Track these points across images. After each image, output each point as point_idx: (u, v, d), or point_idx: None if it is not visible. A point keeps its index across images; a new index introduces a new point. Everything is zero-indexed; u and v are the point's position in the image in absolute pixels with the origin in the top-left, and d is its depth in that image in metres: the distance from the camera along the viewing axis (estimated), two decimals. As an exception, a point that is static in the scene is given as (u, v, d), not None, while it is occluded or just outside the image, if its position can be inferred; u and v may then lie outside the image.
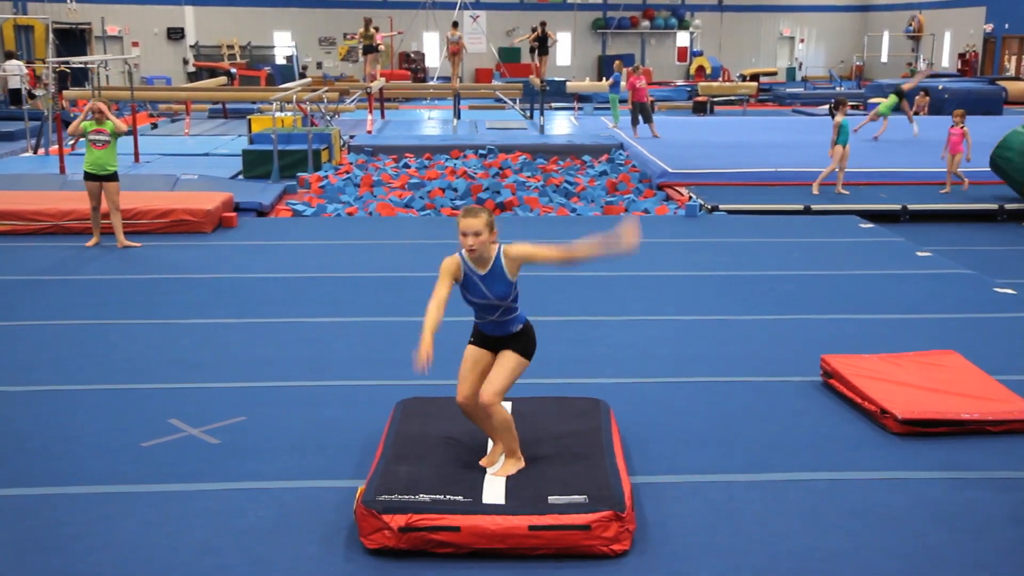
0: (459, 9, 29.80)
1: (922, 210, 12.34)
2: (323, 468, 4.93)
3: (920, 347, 6.61)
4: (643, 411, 5.68)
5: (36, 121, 18.10)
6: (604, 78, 31.06)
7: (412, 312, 7.70)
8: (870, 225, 11.22)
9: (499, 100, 24.36)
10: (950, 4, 34.72)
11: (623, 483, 4.32)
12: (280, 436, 5.32)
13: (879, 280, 8.79)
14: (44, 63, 19.05)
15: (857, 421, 5.55)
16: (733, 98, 28.70)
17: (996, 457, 5.07)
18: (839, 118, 12.78)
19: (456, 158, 16.56)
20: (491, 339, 4.54)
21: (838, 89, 30.27)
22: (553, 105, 26.39)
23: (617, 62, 24.63)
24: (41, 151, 17.02)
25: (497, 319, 4.47)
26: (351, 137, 18.35)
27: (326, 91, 19.01)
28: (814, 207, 12.27)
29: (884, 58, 38.15)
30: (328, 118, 19.02)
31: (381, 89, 22.21)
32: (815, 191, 12.94)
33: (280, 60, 34.59)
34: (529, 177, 14.49)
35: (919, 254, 9.79)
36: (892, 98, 18.16)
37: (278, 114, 17.90)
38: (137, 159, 15.61)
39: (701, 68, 35.13)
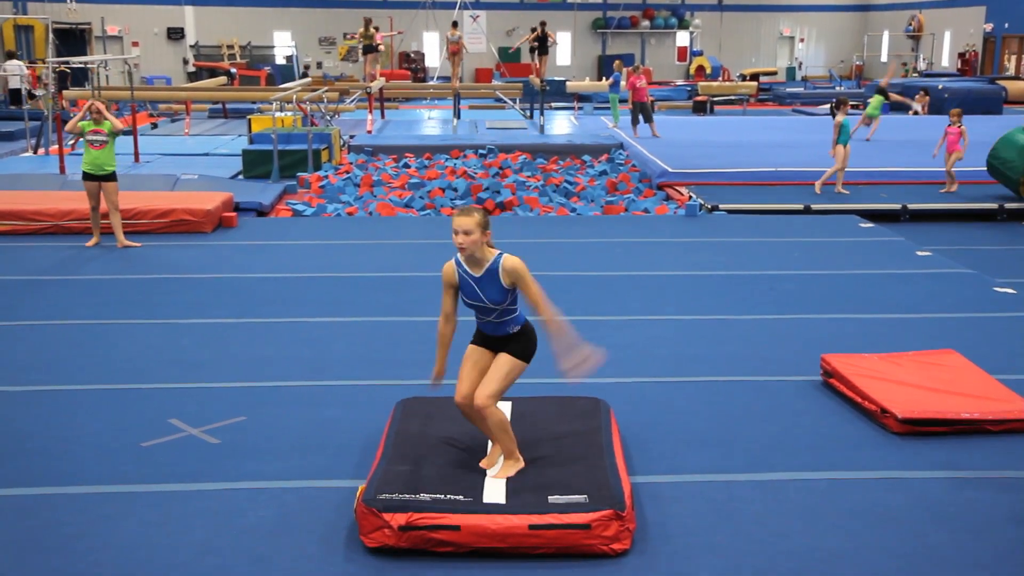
0: (459, 9, 29.81)
1: (922, 210, 12.34)
2: (323, 468, 4.93)
3: (920, 347, 6.61)
4: (643, 411, 5.68)
5: (36, 121, 18.11)
6: (604, 78, 31.07)
7: (412, 312, 7.71)
8: (870, 225, 11.22)
9: (499, 100, 24.36)
10: (950, 4, 34.72)
11: (623, 483, 4.32)
12: (280, 436, 5.32)
13: (879, 280, 8.79)
14: (44, 63, 19.06)
15: (857, 421, 5.55)
16: (733, 98, 28.70)
17: (996, 457, 5.07)
18: (840, 118, 12.78)
19: (456, 158, 16.56)
20: (491, 339, 4.54)
21: (838, 89, 30.26)
22: (553, 105, 26.40)
23: (617, 62, 24.62)
24: (41, 151, 17.02)
25: (495, 320, 4.48)
26: (351, 137, 18.35)
27: (326, 91, 19.01)
28: (814, 207, 12.27)
29: (884, 58, 38.13)
30: (328, 118, 19.03)
31: (381, 89, 22.21)
32: (818, 191, 12.94)
33: (280, 60, 34.61)
34: (529, 177, 14.49)
35: (919, 254, 9.79)
36: (877, 98, 18.18)
37: (278, 114, 17.91)
38: (137, 159, 15.61)
39: (701, 68, 35.13)
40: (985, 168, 13.02)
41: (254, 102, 21.71)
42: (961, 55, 33.87)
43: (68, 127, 10.44)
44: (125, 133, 15.95)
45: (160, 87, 27.71)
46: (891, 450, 5.16)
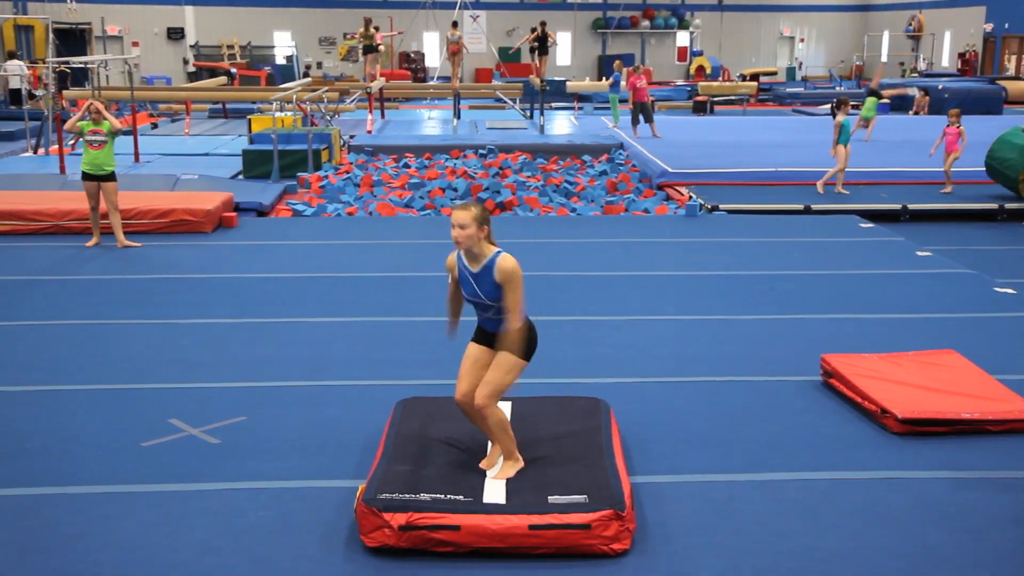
0: (459, 9, 29.80)
1: (922, 210, 12.34)
2: (323, 468, 4.93)
3: (920, 347, 6.61)
4: (643, 411, 5.68)
5: (36, 121, 18.11)
6: (604, 78, 31.07)
7: (412, 312, 7.71)
8: (870, 225, 11.22)
9: (499, 100, 24.36)
10: (950, 4, 34.71)
11: (623, 483, 4.32)
12: (280, 436, 5.32)
13: (879, 280, 8.79)
14: (44, 63, 19.06)
15: (857, 421, 5.55)
16: (733, 98, 28.69)
17: (996, 457, 5.07)
18: (840, 118, 12.79)
19: (456, 158, 16.56)
20: (491, 336, 4.54)
21: (838, 89, 30.25)
22: (553, 105, 26.40)
23: (617, 62, 24.62)
24: (41, 151, 17.03)
25: (493, 316, 4.47)
26: (351, 137, 18.35)
27: (326, 91, 19.01)
28: (814, 207, 12.27)
29: (884, 58, 38.13)
30: (328, 118, 19.03)
31: (381, 89, 22.21)
32: (820, 190, 12.93)
33: (280, 60, 34.60)
34: (529, 177, 14.49)
35: (919, 254, 9.79)
36: (870, 100, 18.19)
37: (278, 114, 17.91)
38: (137, 159, 15.62)
39: (701, 68, 35.11)
40: (983, 168, 13.03)
41: (254, 102, 21.71)
42: (961, 55, 33.86)
43: (67, 126, 10.45)
44: (125, 133, 15.94)
45: (160, 87, 27.71)
46: (891, 450, 5.16)
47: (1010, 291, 8.33)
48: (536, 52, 23.25)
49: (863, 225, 11.21)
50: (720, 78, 34.19)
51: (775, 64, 39.01)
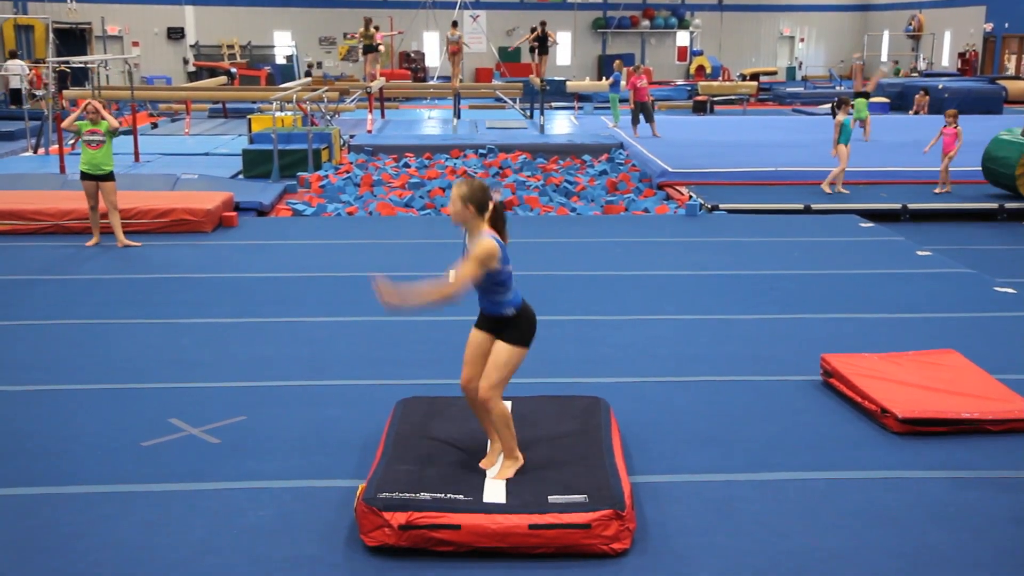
0: (459, 9, 29.80)
1: (922, 209, 12.34)
2: (323, 467, 4.93)
3: (920, 346, 6.61)
4: (643, 411, 5.68)
5: (36, 121, 18.11)
6: (604, 77, 31.07)
7: (412, 312, 7.70)
8: (870, 224, 11.22)
9: (499, 100, 24.37)
10: (950, 3, 34.71)
11: (623, 482, 4.32)
12: (280, 436, 5.32)
13: (879, 279, 8.79)
14: (44, 63, 19.06)
15: (857, 420, 5.55)
16: (733, 97, 28.69)
17: (996, 457, 5.07)
18: (840, 117, 12.80)
19: (456, 158, 16.56)
20: (489, 320, 4.52)
21: (838, 88, 30.26)
22: (553, 105, 26.40)
23: (617, 61, 24.60)
24: (41, 151, 17.03)
25: (483, 296, 4.47)
26: (351, 137, 18.35)
27: (326, 91, 19.01)
28: (814, 206, 12.27)
29: (884, 57, 38.14)
30: (328, 118, 19.03)
31: (381, 89, 22.21)
32: (827, 190, 12.92)
33: (280, 60, 34.59)
34: (529, 177, 14.49)
35: (919, 253, 9.79)
36: (860, 101, 18.13)
37: (278, 114, 17.91)
38: (137, 159, 15.62)
39: (701, 67, 35.12)
40: (981, 168, 13.05)
41: (254, 102, 21.71)
42: (961, 55, 33.87)
43: (65, 124, 10.45)
44: (125, 133, 15.94)
45: (160, 87, 27.71)
46: (891, 450, 5.16)
47: (1010, 291, 8.33)
48: (536, 52, 23.25)
49: (863, 225, 11.21)
50: (720, 78, 34.19)
51: (775, 64, 39.02)
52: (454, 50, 22.71)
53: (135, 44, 33.29)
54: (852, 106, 14.35)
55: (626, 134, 18.84)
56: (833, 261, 9.51)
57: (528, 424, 4.96)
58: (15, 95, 22.53)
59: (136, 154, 15.70)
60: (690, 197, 12.70)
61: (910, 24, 36.82)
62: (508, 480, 4.44)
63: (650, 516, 4.43)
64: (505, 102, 23.49)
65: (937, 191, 12.99)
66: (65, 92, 18.72)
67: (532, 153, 16.71)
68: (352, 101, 21.98)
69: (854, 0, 39.93)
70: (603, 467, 4.46)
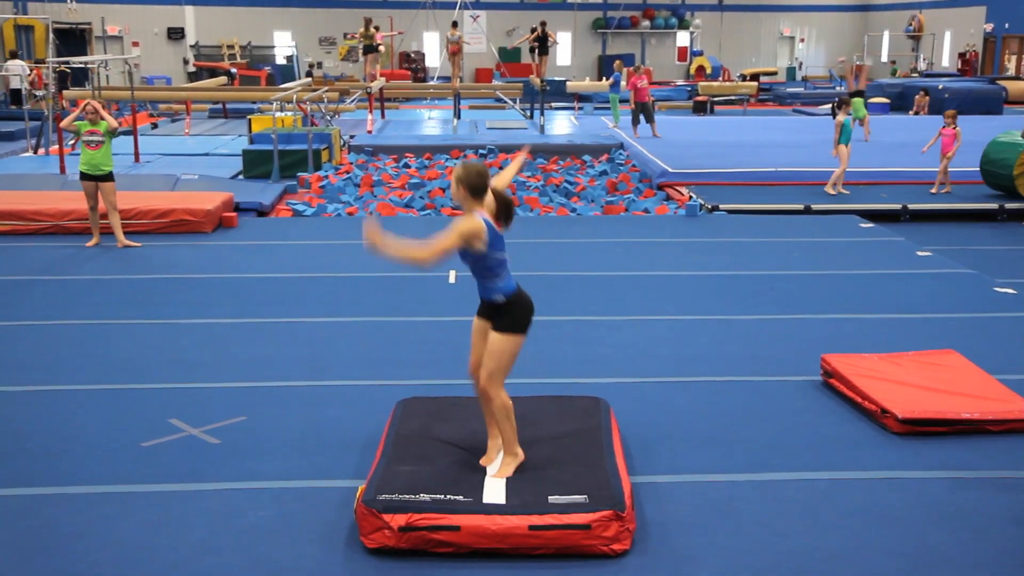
0: (459, 9, 29.79)
1: (922, 210, 12.34)
2: (323, 468, 4.93)
3: (920, 347, 6.61)
4: (643, 411, 5.68)
5: (36, 121, 18.11)
6: (604, 78, 31.06)
7: (412, 312, 7.71)
8: (870, 225, 11.22)
9: (499, 100, 24.36)
10: (950, 4, 34.70)
11: (623, 483, 4.32)
12: (280, 436, 5.32)
13: (879, 280, 8.79)
14: (44, 63, 19.06)
15: (857, 421, 5.55)
16: (733, 98, 28.69)
17: (996, 457, 5.07)
18: (841, 117, 12.80)
19: (456, 158, 16.56)
20: (485, 306, 4.54)
21: (838, 89, 30.25)
22: (553, 105, 26.39)
23: (617, 62, 24.59)
24: (41, 151, 17.03)
25: (477, 282, 4.49)
26: (351, 137, 18.35)
27: (326, 91, 19.01)
28: (814, 207, 12.27)
29: (884, 57, 38.14)
30: (328, 118, 19.02)
31: (381, 89, 22.20)
32: (831, 192, 12.91)
33: (280, 60, 34.59)
34: (529, 177, 14.49)
35: (919, 254, 9.79)
36: (857, 100, 18.10)
37: (278, 114, 17.91)
38: (137, 159, 15.62)
39: (701, 68, 35.11)
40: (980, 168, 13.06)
41: (254, 102, 21.72)
42: (961, 55, 33.86)
43: (64, 124, 10.45)
44: (125, 133, 15.94)
45: (160, 87, 27.71)
46: (891, 450, 5.16)
47: (1010, 291, 8.33)
48: (536, 52, 23.25)
49: (863, 225, 11.21)
50: (720, 78, 34.19)
51: (775, 64, 39.00)
52: (454, 50, 22.71)
53: (135, 44, 33.28)
54: (856, 110, 14.34)
55: (626, 134, 18.84)
56: (833, 261, 9.51)
57: (528, 424, 4.95)
58: (15, 95, 22.52)
59: (136, 154, 15.69)
60: (690, 197, 12.70)
61: (910, 24, 36.82)
62: (508, 480, 4.43)
63: (650, 516, 4.43)
64: (505, 102, 23.49)
65: (933, 191, 12.99)
66: (65, 92, 18.72)
67: (532, 153, 16.71)
68: (352, 101, 21.98)
69: (854, 0, 39.92)
70: (603, 467, 4.46)
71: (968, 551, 4.16)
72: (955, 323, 7.49)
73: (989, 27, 32.61)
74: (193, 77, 32.09)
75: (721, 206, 12.21)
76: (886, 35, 38.63)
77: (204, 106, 24.18)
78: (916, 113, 24.66)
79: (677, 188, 13.73)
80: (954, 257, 9.76)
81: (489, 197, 4.44)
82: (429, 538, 4.04)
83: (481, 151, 16.80)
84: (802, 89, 31.27)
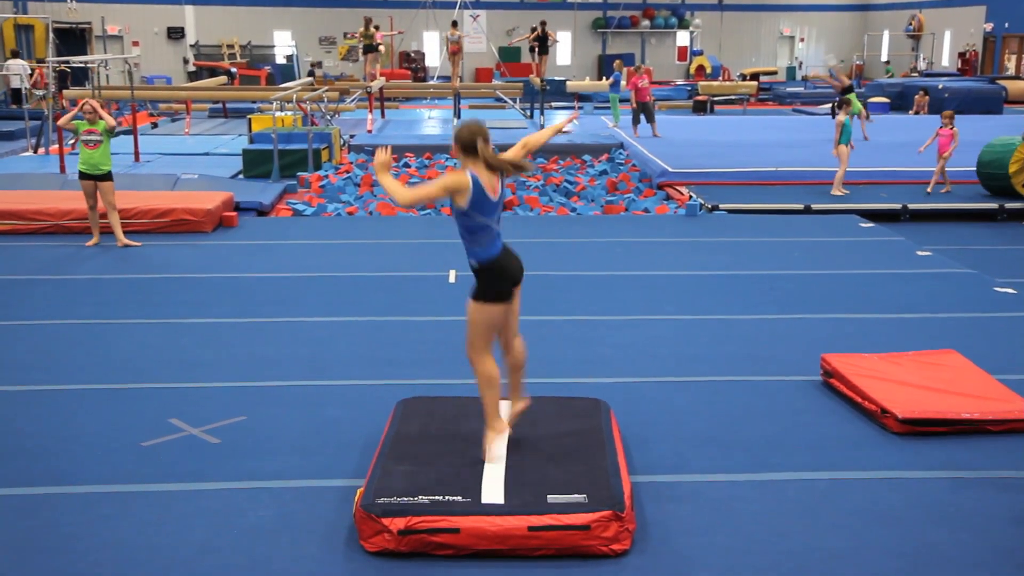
0: (459, 9, 29.79)
1: (922, 209, 12.34)
2: (323, 468, 4.93)
3: (920, 346, 6.61)
4: (643, 411, 5.68)
5: (36, 121, 18.11)
6: (604, 77, 31.05)
7: (412, 312, 7.71)
8: (870, 224, 11.22)
9: (499, 100, 24.35)
10: (950, 3, 34.71)
11: (623, 483, 4.32)
12: (280, 436, 5.32)
13: (879, 279, 8.79)
14: (44, 63, 19.06)
15: (857, 420, 5.55)
16: (733, 97, 28.68)
17: (996, 457, 5.07)
18: (841, 117, 12.79)
19: (456, 158, 16.53)
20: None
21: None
22: (553, 104, 26.39)
23: (617, 61, 24.57)
24: (41, 151, 17.02)
25: (462, 242, 4.55)
26: (351, 136, 18.35)
27: (326, 91, 19.01)
28: (814, 206, 12.27)
29: (884, 57, 38.13)
30: (328, 117, 19.02)
31: (381, 88, 22.20)
32: (838, 194, 12.88)
33: (280, 60, 34.59)
34: (529, 176, 14.48)
35: (919, 253, 9.79)
36: (851, 97, 18.05)
37: (278, 113, 17.90)
38: (137, 158, 15.62)
39: (701, 67, 35.11)
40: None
41: (254, 102, 21.70)
42: (961, 55, 33.86)
43: (61, 122, 10.45)
44: (124, 132, 15.95)
45: (160, 87, 27.70)
46: (891, 450, 5.16)
47: (1010, 291, 8.33)
48: (536, 52, 23.23)
49: (863, 225, 11.21)
50: (720, 78, 34.19)
51: (775, 64, 39.00)
52: (454, 50, 22.71)
53: (135, 44, 33.28)
54: (860, 114, 14.31)
55: (626, 134, 18.84)
56: (833, 261, 9.51)
57: (528, 424, 4.95)
58: (16, 95, 22.51)
59: (136, 154, 15.69)
60: (690, 197, 12.70)
61: (910, 24, 36.82)
62: (507, 479, 4.40)
63: (650, 516, 4.42)
64: (505, 102, 23.49)
65: (929, 191, 12.97)
66: (65, 92, 18.72)
67: (532, 154, 16.67)
68: (352, 101, 21.98)
69: (854, 0, 39.92)
70: (603, 467, 4.46)
71: (968, 551, 4.16)
72: (955, 323, 7.49)
73: (989, 27, 32.62)
74: (193, 77, 32.08)
75: (721, 206, 12.21)
76: (886, 35, 38.63)
77: (204, 106, 24.17)
78: (916, 113, 24.65)
79: (677, 188, 13.73)
80: (954, 257, 9.76)
81: (497, 155, 4.50)
82: (429, 541, 4.04)
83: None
84: (802, 89, 31.26)
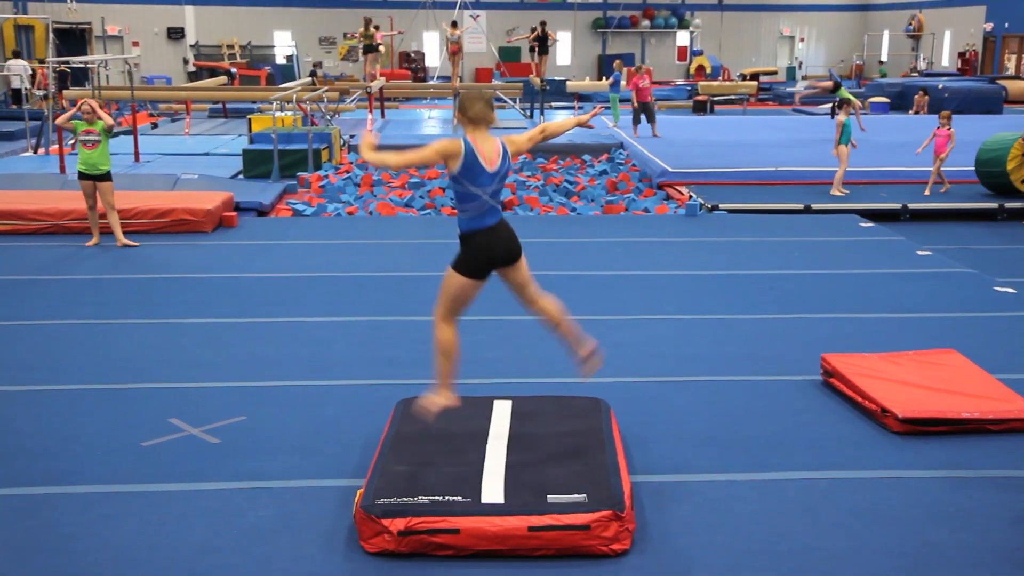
0: (459, 9, 29.79)
1: (922, 209, 12.35)
2: (323, 468, 4.93)
3: (920, 346, 6.61)
4: (643, 411, 5.68)
5: (36, 121, 18.11)
6: (604, 77, 31.05)
7: (412, 312, 7.71)
8: (870, 224, 11.22)
9: (499, 100, 24.33)
10: (950, 3, 34.71)
11: (623, 482, 4.32)
12: (280, 436, 5.32)
13: (879, 279, 8.79)
14: (44, 63, 19.06)
15: (857, 420, 5.55)
16: (733, 97, 28.68)
17: (996, 456, 5.07)
18: (841, 117, 12.80)
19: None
20: None
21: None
22: (553, 105, 26.39)
23: (617, 61, 24.57)
24: (41, 151, 17.02)
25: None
26: (351, 136, 18.35)
27: (326, 91, 19.01)
28: (814, 206, 12.27)
29: (884, 57, 38.14)
30: (328, 118, 19.02)
31: (381, 89, 22.20)
32: (839, 194, 12.88)
33: (280, 60, 34.59)
34: (529, 176, 14.49)
35: (919, 253, 9.79)
36: (845, 93, 18.02)
37: (278, 114, 17.90)
38: (137, 159, 15.62)
39: (701, 67, 35.11)
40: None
41: (254, 102, 21.71)
42: (961, 55, 33.87)
43: (59, 120, 10.44)
44: (125, 133, 15.95)
45: (160, 87, 27.70)
46: (891, 450, 5.16)
47: (1010, 291, 8.33)
48: (536, 52, 23.23)
49: (863, 225, 11.21)
50: (720, 78, 34.18)
51: (775, 64, 39.00)
52: (454, 50, 22.71)
53: (135, 44, 33.28)
54: (852, 105, 14.31)
55: (626, 134, 18.84)
56: (833, 261, 9.51)
57: (528, 424, 4.96)
58: (16, 95, 22.51)
59: (136, 154, 15.69)
60: (690, 197, 12.70)
61: (910, 24, 36.82)
62: (507, 480, 4.40)
63: (650, 516, 4.42)
64: (505, 102, 23.48)
65: (927, 192, 12.97)
66: (65, 92, 18.72)
67: (532, 153, 16.70)
68: (352, 101, 21.98)
69: (854, 0, 39.92)
70: (603, 467, 4.46)
71: (968, 551, 4.16)
72: (955, 322, 7.49)
73: (989, 27, 32.62)
74: (193, 77, 32.08)
75: (721, 206, 12.21)
76: (886, 35, 38.64)
77: (204, 106, 24.18)
78: (916, 113, 24.65)
79: (677, 188, 13.73)
80: (954, 257, 9.76)
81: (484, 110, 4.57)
82: (428, 541, 4.04)
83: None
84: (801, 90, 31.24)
